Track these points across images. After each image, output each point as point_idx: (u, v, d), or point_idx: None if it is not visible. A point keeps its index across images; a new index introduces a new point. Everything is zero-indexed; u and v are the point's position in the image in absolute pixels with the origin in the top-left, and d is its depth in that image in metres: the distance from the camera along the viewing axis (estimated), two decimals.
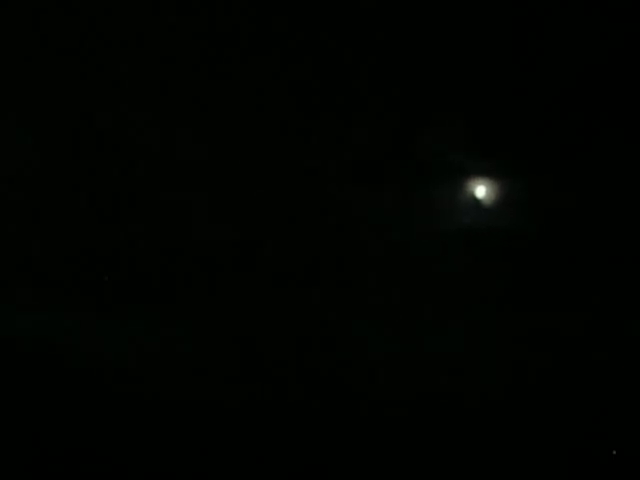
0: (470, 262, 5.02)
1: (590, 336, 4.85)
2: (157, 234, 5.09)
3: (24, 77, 5.06)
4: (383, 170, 5.08)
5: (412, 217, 5.06)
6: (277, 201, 5.09)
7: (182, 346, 4.98)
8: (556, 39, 4.96)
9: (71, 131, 5.09)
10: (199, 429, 4.79)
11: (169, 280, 5.08)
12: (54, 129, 5.07)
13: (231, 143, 5.08)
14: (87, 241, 5.09)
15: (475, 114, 5.04)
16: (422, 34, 5.02)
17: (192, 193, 5.08)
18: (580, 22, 4.94)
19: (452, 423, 4.73)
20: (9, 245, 5.07)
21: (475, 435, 4.69)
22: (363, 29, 5.04)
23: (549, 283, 5.00)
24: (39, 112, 5.06)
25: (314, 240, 5.05)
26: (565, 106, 4.98)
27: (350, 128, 5.05)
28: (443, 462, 4.66)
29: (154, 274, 5.08)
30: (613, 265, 4.95)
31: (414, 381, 4.83)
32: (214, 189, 5.09)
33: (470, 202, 5.09)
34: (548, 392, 4.75)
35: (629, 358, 4.79)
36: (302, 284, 5.05)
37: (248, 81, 5.05)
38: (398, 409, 4.78)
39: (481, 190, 5.07)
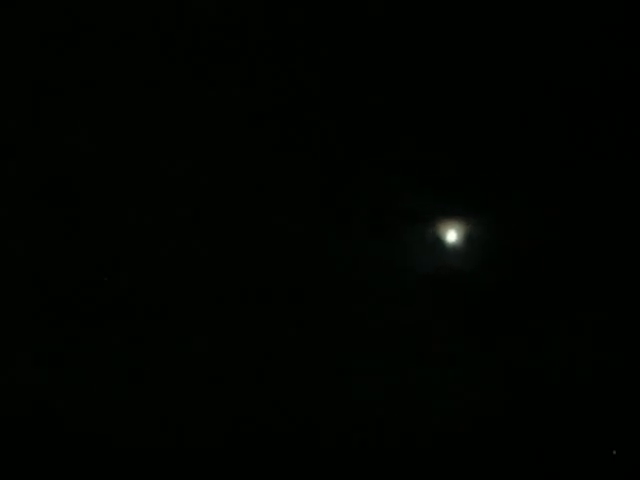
0: (432, 305, 4.90)
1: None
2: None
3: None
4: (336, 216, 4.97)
5: (368, 262, 4.94)
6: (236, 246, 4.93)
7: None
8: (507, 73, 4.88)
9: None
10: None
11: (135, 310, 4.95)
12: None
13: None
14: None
15: (433, 155, 4.94)
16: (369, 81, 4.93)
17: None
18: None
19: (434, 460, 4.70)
20: None
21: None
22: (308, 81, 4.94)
23: (515, 319, 4.89)
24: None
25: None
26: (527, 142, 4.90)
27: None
28: None
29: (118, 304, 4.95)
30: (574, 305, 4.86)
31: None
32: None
33: (431, 245, 4.98)
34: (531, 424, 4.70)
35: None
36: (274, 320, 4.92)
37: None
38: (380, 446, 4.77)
39: (443, 233, 4.97)
